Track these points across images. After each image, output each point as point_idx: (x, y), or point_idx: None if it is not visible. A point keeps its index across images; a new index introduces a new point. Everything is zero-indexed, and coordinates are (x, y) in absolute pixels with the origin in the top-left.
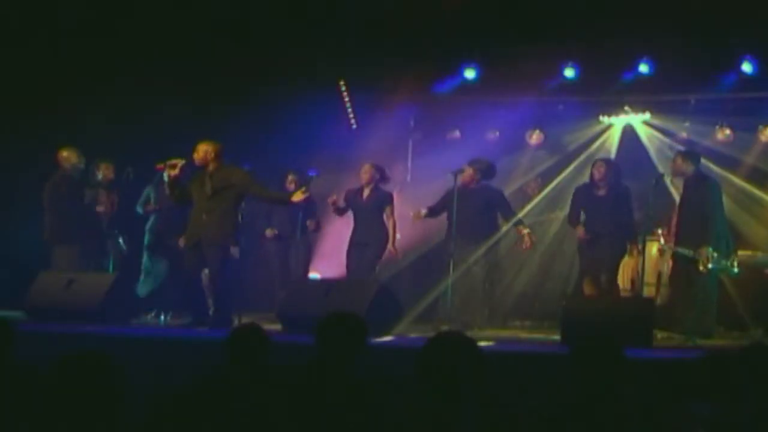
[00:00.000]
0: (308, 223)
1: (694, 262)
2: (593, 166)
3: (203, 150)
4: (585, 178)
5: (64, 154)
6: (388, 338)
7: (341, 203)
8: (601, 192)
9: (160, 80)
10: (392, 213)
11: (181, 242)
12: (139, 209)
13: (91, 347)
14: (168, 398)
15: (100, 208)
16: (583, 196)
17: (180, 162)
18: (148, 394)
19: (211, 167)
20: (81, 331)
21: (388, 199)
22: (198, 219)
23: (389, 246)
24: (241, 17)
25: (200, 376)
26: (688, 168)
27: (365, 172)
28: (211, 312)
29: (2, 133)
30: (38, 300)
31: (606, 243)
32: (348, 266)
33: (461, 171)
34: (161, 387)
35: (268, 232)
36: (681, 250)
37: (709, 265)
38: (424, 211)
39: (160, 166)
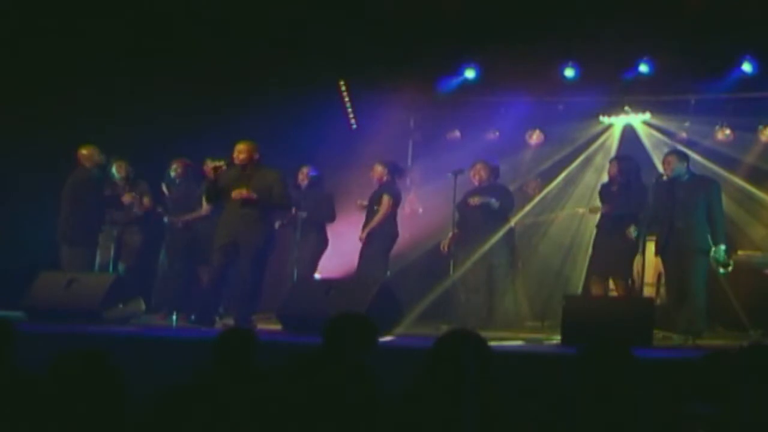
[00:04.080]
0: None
1: (708, 261)
2: (609, 163)
3: (246, 150)
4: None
5: (85, 152)
6: (388, 338)
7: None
8: (614, 188)
9: (160, 80)
10: (387, 203)
11: (175, 221)
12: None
13: (91, 347)
14: (158, 398)
15: (126, 199)
16: (602, 193)
17: (223, 164)
18: (148, 394)
19: (249, 168)
20: (81, 331)
21: (385, 188)
22: (234, 219)
23: (361, 234)
24: (241, 17)
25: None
26: (683, 167)
27: (373, 172)
28: (219, 314)
29: (3, 134)
30: (38, 300)
31: (614, 242)
32: (359, 259)
33: (469, 169)
34: (161, 387)
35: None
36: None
37: (729, 265)
38: (453, 232)
39: (208, 168)
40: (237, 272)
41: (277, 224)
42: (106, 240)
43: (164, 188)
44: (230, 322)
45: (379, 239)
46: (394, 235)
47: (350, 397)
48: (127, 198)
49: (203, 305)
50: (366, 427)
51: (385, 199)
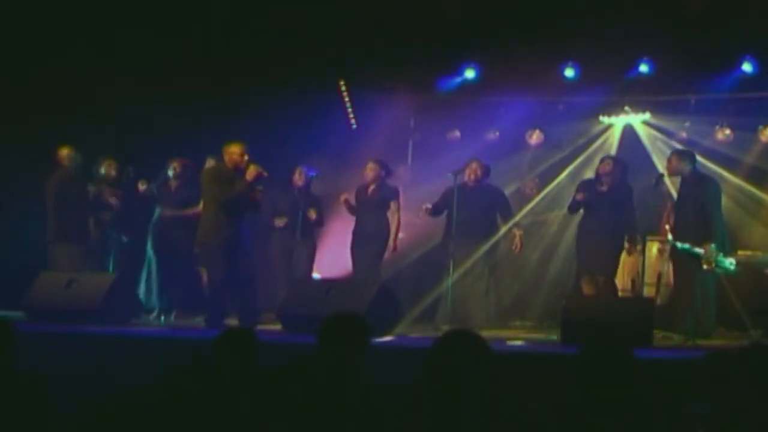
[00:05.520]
0: (309, 213)
1: (697, 259)
2: (601, 161)
3: (246, 153)
4: (585, 178)
5: (65, 152)
6: (388, 338)
7: (353, 201)
8: (603, 188)
9: (160, 80)
10: (398, 209)
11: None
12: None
13: (91, 347)
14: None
15: (111, 199)
16: (586, 188)
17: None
18: (148, 393)
19: (239, 171)
20: (81, 331)
21: (394, 195)
22: (233, 223)
23: (390, 242)
24: (241, 17)
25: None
26: (685, 167)
27: (370, 170)
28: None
29: (2, 134)
30: (38, 300)
31: (602, 241)
32: (353, 260)
33: (465, 167)
34: (160, 387)
35: (277, 222)
36: (688, 246)
37: (714, 263)
38: (427, 206)
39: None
40: (236, 273)
41: (278, 222)
42: (102, 240)
43: (154, 189)
44: (235, 322)
45: (377, 241)
46: (388, 238)
47: (345, 397)
48: (112, 199)
49: (215, 308)
50: (364, 427)
51: (395, 207)
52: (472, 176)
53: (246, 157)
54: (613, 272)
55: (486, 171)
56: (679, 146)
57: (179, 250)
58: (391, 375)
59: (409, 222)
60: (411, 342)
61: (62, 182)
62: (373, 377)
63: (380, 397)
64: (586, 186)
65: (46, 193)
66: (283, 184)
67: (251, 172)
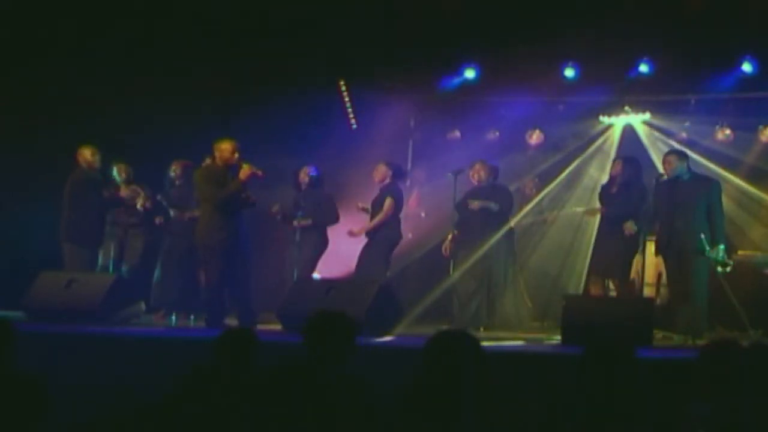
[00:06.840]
0: (300, 220)
1: (716, 262)
2: (612, 162)
3: (238, 150)
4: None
5: (83, 152)
6: (388, 338)
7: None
8: (614, 190)
9: (160, 81)
10: (389, 206)
11: (181, 215)
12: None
13: (91, 347)
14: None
15: (124, 192)
16: (602, 194)
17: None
18: (148, 393)
19: (231, 169)
20: (81, 331)
21: (389, 192)
22: (232, 223)
23: (353, 229)
24: (242, 17)
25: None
26: (684, 167)
27: (376, 172)
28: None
29: (7, 136)
30: (38, 300)
31: (613, 244)
32: (358, 261)
33: (469, 169)
34: (161, 387)
35: (275, 209)
36: (711, 251)
37: (728, 265)
38: (453, 233)
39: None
40: (234, 273)
41: (275, 209)
42: (108, 241)
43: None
44: (235, 322)
45: (380, 242)
46: (396, 239)
47: (333, 397)
48: (125, 191)
49: (215, 308)
50: (357, 427)
51: (388, 202)
52: (476, 177)
53: (237, 155)
54: (624, 274)
55: (491, 172)
56: (677, 146)
57: (182, 254)
58: (390, 375)
59: (410, 221)
60: (411, 342)
61: (75, 183)
62: (364, 376)
63: (372, 396)
64: (602, 190)
65: (63, 193)
66: (283, 183)
67: (245, 171)
